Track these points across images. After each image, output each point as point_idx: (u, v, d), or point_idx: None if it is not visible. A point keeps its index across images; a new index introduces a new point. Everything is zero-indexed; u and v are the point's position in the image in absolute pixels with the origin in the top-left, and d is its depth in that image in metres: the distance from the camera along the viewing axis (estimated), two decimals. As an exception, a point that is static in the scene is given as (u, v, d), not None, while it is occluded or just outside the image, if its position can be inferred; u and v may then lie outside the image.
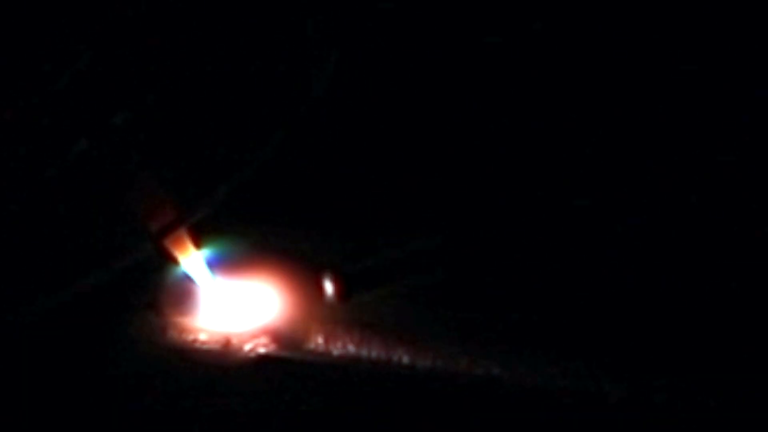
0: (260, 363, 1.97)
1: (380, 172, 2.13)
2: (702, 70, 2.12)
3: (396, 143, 2.15)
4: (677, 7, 2.12)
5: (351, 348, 1.98)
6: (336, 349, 1.98)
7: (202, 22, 2.07)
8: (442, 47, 2.16)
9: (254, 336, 1.99)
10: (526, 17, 2.15)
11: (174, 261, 2.03)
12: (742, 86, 2.11)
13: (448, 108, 2.15)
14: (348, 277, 2.02)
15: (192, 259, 2.03)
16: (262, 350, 1.98)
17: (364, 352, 1.97)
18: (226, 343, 1.98)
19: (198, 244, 2.04)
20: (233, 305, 2.04)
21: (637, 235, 2.05)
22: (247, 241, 2.07)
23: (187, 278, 2.03)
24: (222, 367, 1.97)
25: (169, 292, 2.04)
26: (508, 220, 2.09)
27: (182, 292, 2.04)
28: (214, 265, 2.04)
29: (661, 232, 2.04)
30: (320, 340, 1.99)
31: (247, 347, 1.98)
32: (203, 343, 1.99)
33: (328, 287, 2.01)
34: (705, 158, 2.09)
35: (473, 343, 1.96)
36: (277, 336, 1.99)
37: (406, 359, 1.96)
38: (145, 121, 2.06)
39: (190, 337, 1.99)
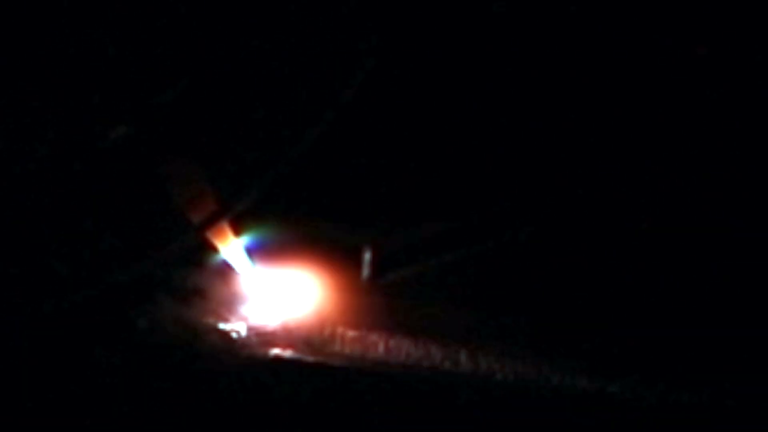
0: (284, 363, 2.03)
1: (412, 168, 2.18)
2: (702, 69, 2.15)
3: (421, 142, 2.19)
4: (677, 7, 2.15)
5: (376, 350, 2.05)
6: (359, 352, 2.06)
7: (246, 14, 2.07)
8: (457, 45, 2.19)
9: (282, 336, 2.06)
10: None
11: (216, 251, 2.08)
12: (742, 86, 2.14)
13: (466, 109, 2.19)
14: (383, 254, 2.10)
15: (233, 249, 2.09)
16: (287, 352, 2.04)
17: (388, 354, 2.05)
18: (258, 341, 2.05)
19: (238, 234, 2.09)
20: (273, 294, 2.11)
21: (638, 235, 2.11)
22: (287, 231, 2.12)
23: (228, 267, 2.09)
24: (249, 365, 2.03)
25: (210, 282, 2.09)
26: (513, 221, 2.17)
27: (224, 282, 2.10)
28: (254, 254, 2.10)
29: (662, 232, 2.10)
30: (344, 342, 2.06)
31: (272, 348, 2.04)
32: (237, 337, 2.05)
33: (366, 265, 2.09)
34: (705, 158, 2.13)
35: (488, 344, 2.02)
36: (303, 338, 2.07)
37: (424, 360, 2.03)
38: (187, 111, 2.07)
39: (227, 329, 2.06)
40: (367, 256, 2.11)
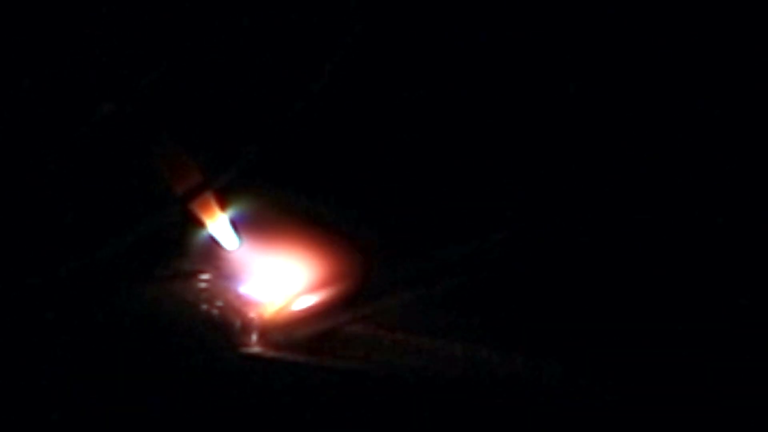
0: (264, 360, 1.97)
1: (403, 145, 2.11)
2: (701, 71, 2.07)
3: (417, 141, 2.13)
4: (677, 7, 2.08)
5: (362, 350, 1.99)
6: (347, 352, 1.99)
7: None
8: (459, 41, 2.13)
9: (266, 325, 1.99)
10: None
11: (200, 224, 2.03)
12: (742, 86, 2.06)
13: (470, 116, 2.12)
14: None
15: (218, 223, 2.03)
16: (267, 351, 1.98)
17: (375, 354, 1.98)
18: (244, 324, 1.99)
19: (223, 208, 2.04)
20: (258, 269, 2.04)
21: (639, 237, 2.01)
22: (273, 205, 2.06)
23: (213, 241, 2.04)
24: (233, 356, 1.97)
25: (194, 256, 2.04)
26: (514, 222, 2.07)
27: (208, 256, 2.04)
28: (239, 228, 2.04)
29: (662, 233, 2.01)
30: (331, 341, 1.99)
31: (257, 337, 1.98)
32: (224, 315, 1.99)
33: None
34: (705, 159, 2.05)
35: (478, 343, 1.96)
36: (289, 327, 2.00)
37: (414, 361, 1.96)
38: (170, 85, 2.05)
39: (214, 305, 2.00)
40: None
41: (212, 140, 2.04)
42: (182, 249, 2.04)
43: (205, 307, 1.98)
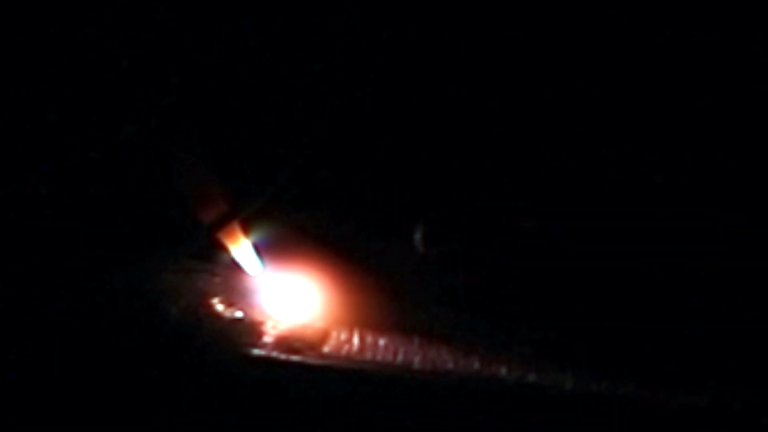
0: (291, 366, 2.02)
1: (422, 170, 2.20)
2: (701, 71, 2.16)
3: (431, 144, 2.21)
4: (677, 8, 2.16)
5: (384, 354, 2.04)
6: (367, 356, 2.04)
7: (260, 14, 2.15)
8: (462, 48, 2.20)
9: (290, 339, 2.04)
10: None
11: (226, 251, 2.10)
12: (742, 86, 2.14)
13: (473, 120, 2.21)
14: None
15: (243, 249, 2.10)
16: (294, 356, 2.03)
17: (391, 357, 2.03)
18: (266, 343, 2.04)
19: (248, 235, 2.11)
20: (282, 295, 2.10)
21: (639, 238, 2.09)
22: (297, 231, 2.13)
23: (238, 268, 2.10)
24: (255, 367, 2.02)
25: (221, 282, 2.10)
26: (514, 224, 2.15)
27: (234, 282, 2.10)
28: (264, 255, 2.11)
29: (662, 234, 2.09)
30: (347, 343, 2.05)
31: (279, 351, 2.03)
32: (249, 337, 2.04)
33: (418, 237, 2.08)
34: (705, 159, 2.13)
35: (488, 346, 2.02)
36: (311, 341, 2.05)
37: (426, 362, 2.02)
38: (198, 111, 2.12)
39: (238, 329, 2.05)
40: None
41: (239, 164, 2.12)
42: (208, 273, 2.10)
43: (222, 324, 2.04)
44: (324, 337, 2.05)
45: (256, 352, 2.03)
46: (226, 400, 1.98)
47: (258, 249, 2.11)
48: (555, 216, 2.13)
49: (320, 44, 2.14)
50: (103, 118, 2.08)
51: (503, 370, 1.98)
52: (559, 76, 2.17)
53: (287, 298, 2.09)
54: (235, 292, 2.09)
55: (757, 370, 1.92)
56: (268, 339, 2.05)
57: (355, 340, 2.05)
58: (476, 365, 1.99)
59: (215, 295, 2.08)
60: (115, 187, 2.09)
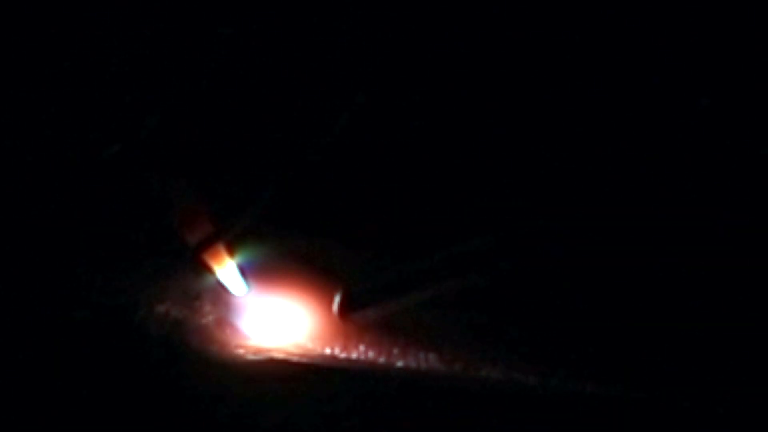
0: (275, 368, 2.03)
1: (409, 190, 2.18)
2: (700, 71, 2.13)
3: (416, 165, 2.19)
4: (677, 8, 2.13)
5: (369, 354, 2.04)
6: (353, 356, 2.05)
7: (244, 31, 2.14)
8: (456, 57, 2.18)
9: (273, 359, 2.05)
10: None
11: (210, 271, 2.10)
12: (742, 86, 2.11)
13: (466, 126, 2.18)
14: (354, 294, 2.08)
15: (228, 270, 2.11)
16: (278, 356, 2.04)
17: (380, 358, 2.04)
18: (251, 351, 2.05)
19: (233, 255, 2.11)
20: (266, 314, 2.10)
21: (639, 240, 2.06)
22: (282, 252, 2.13)
23: (222, 288, 2.10)
24: (243, 373, 2.03)
25: (204, 301, 2.11)
26: (513, 228, 2.13)
27: (217, 302, 2.11)
28: (248, 275, 2.11)
29: (662, 235, 2.05)
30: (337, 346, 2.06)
31: (265, 354, 2.04)
32: (232, 350, 2.05)
33: (335, 304, 2.08)
34: (706, 160, 2.10)
35: (480, 347, 2.01)
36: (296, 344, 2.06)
37: (420, 364, 2.01)
38: (181, 131, 2.13)
39: (221, 344, 2.06)
40: (336, 296, 2.09)
41: (224, 185, 2.12)
42: (190, 294, 2.11)
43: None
44: (310, 355, 2.06)
45: (241, 370, 2.04)
46: (208, 420, 1.99)
47: (243, 270, 2.11)
48: (552, 216, 2.11)
49: (303, 67, 2.13)
50: (87, 138, 2.08)
51: (492, 372, 1.98)
52: (556, 76, 2.15)
53: (272, 319, 2.10)
54: (220, 313, 2.10)
55: (757, 370, 1.91)
56: (252, 358, 2.06)
57: (342, 356, 2.06)
58: (464, 372, 2.00)
59: (201, 316, 2.09)
60: (98, 207, 2.10)
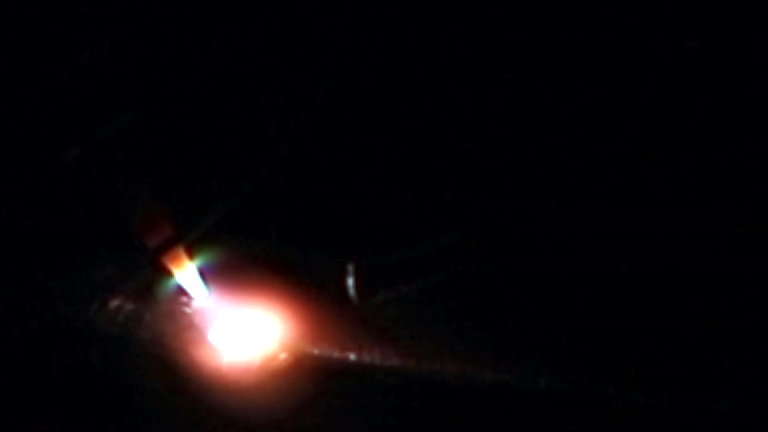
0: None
1: (379, 179, 2.16)
2: (699, 71, 2.11)
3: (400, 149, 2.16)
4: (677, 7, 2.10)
5: (360, 354, 2.06)
6: (344, 355, 2.06)
7: (202, 35, 2.08)
8: (448, 47, 2.14)
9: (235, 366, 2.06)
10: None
11: (169, 275, 2.08)
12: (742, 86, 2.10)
13: (459, 112, 2.14)
14: (370, 274, 2.07)
15: (187, 273, 2.09)
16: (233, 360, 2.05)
17: (373, 358, 2.06)
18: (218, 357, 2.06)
19: (193, 258, 2.09)
20: (226, 318, 2.10)
21: (639, 240, 2.07)
22: (243, 255, 2.12)
23: (182, 292, 2.09)
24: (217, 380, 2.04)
25: (164, 307, 2.10)
26: (512, 224, 2.12)
27: (178, 307, 2.10)
28: (208, 279, 2.10)
29: (662, 236, 2.06)
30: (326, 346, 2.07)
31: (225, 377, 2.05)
32: (196, 358, 2.06)
33: (350, 284, 2.07)
34: (706, 161, 2.09)
35: (476, 346, 2.03)
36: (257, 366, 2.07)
37: (415, 363, 2.03)
38: (142, 134, 2.08)
39: (183, 351, 2.06)
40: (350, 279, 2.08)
41: (184, 189, 2.08)
42: (151, 298, 2.10)
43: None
44: (271, 361, 2.07)
45: (202, 376, 2.05)
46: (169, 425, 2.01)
47: (203, 274, 2.09)
48: (548, 216, 2.11)
49: (263, 68, 2.07)
50: (46, 140, 2.02)
51: (490, 371, 2.01)
52: (553, 77, 2.13)
53: (232, 323, 2.10)
54: (180, 318, 2.09)
55: (757, 370, 1.95)
56: (213, 363, 2.07)
57: (304, 362, 2.07)
58: (459, 371, 2.02)
59: (161, 319, 2.09)
60: (57, 209, 2.06)
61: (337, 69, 2.11)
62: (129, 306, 2.08)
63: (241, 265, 2.11)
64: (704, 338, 1.98)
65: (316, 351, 2.07)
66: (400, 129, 2.15)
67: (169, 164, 2.10)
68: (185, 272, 2.09)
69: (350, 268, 2.06)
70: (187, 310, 2.10)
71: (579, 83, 2.12)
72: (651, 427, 1.95)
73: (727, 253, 2.03)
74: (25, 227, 2.05)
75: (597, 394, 1.97)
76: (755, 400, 1.91)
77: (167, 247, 2.07)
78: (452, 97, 2.14)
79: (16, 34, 2.00)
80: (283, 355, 2.06)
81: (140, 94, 2.07)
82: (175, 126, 2.10)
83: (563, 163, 2.12)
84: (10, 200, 2.04)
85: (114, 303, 2.07)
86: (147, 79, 2.07)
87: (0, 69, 2.01)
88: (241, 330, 2.09)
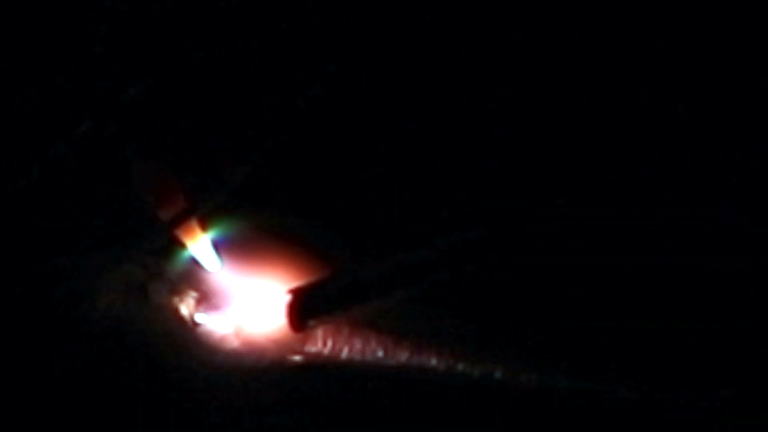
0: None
1: (388, 167, 2.18)
2: (698, 71, 2.13)
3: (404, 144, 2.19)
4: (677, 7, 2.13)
5: (354, 350, 2.06)
6: (338, 351, 2.07)
7: (216, 14, 2.10)
8: (451, 43, 2.16)
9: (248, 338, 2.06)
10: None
11: (183, 247, 2.08)
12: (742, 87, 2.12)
13: (459, 112, 2.18)
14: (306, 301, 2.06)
15: (201, 245, 2.09)
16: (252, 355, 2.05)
17: (366, 354, 2.06)
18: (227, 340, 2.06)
19: (206, 230, 2.09)
20: (239, 291, 2.10)
21: (639, 241, 2.08)
22: (256, 228, 2.12)
23: (195, 264, 2.09)
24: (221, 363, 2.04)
25: (178, 278, 2.09)
26: (509, 223, 2.14)
27: (191, 278, 2.10)
28: (222, 251, 2.10)
29: (662, 237, 2.08)
30: (323, 342, 2.07)
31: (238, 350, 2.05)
32: (207, 335, 2.05)
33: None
34: (706, 161, 2.12)
35: (474, 345, 2.04)
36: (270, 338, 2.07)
37: (408, 360, 2.04)
38: (155, 107, 2.09)
39: (195, 326, 2.06)
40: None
41: (197, 161, 2.09)
42: (164, 270, 2.10)
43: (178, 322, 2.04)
44: (284, 334, 2.07)
45: (217, 350, 2.05)
46: (184, 400, 2.00)
47: (216, 246, 2.10)
48: (548, 215, 2.13)
49: (280, 42, 2.09)
50: (61, 114, 2.03)
51: (488, 371, 2.01)
52: (552, 77, 2.15)
53: (246, 295, 2.10)
54: (193, 289, 2.09)
55: (757, 370, 1.96)
56: (227, 337, 2.07)
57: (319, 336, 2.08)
58: (456, 370, 2.03)
59: (173, 291, 2.08)
60: (71, 183, 2.06)
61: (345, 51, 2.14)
62: (143, 278, 2.07)
63: (254, 237, 2.12)
64: (704, 338, 1.99)
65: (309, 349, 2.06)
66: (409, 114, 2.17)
67: (182, 137, 2.11)
68: (199, 244, 2.09)
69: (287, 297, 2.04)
70: (201, 282, 2.09)
71: (579, 83, 2.15)
72: (650, 427, 1.96)
73: (727, 253, 2.04)
74: (37, 198, 2.05)
75: (596, 394, 1.99)
76: (755, 400, 1.92)
77: (181, 219, 2.07)
78: (452, 97, 2.17)
79: (26, 8, 2.01)
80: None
81: (153, 67, 2.08)
82: (188, 99, 2.11)
83: (563, 163, 2.14)
84: (22, 173, 2.04)
85: (126, 275, 2.06)
86: (160, 52, 2.08)
87: (11, 42, 2.02)
88: (254, 301, 2.09)
